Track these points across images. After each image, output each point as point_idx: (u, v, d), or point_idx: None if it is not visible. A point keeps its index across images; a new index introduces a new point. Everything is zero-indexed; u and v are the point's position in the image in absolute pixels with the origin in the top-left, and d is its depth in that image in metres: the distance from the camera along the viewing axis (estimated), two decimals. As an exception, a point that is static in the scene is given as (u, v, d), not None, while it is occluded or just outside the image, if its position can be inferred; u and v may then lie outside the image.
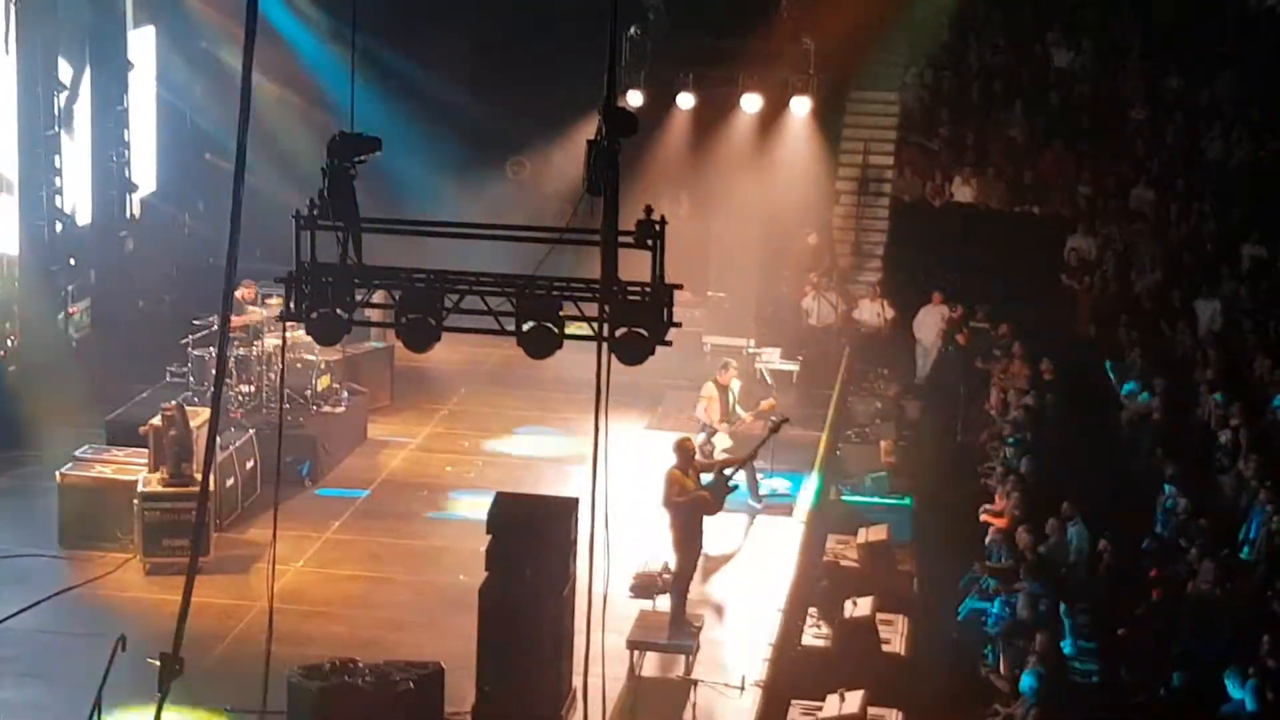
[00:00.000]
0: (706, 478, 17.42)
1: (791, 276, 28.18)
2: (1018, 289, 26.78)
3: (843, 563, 19.11)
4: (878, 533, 19.46)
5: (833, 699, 15.26)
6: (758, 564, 19.41)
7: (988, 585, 18.45)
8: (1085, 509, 18.83)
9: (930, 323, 26.79)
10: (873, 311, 27.27)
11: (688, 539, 17.24)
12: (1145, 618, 17.22)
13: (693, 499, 17.13)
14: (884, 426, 23.81)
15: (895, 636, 17.40)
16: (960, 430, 24.55)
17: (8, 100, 23.56)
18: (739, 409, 21.58)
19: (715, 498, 17.30)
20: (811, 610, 17.80)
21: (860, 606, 17.19)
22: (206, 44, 28.48)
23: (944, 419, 24.96)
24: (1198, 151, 28.95)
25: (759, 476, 21.02)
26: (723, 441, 21.10)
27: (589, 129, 13.45)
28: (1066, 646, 16.78)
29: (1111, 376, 23.67)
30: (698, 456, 17.82)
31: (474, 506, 18.97)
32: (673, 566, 17.37)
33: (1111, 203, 28.53)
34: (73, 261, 24.96)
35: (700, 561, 17.66)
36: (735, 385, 21.77)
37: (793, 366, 25.55)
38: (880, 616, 17.30)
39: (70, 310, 24.91)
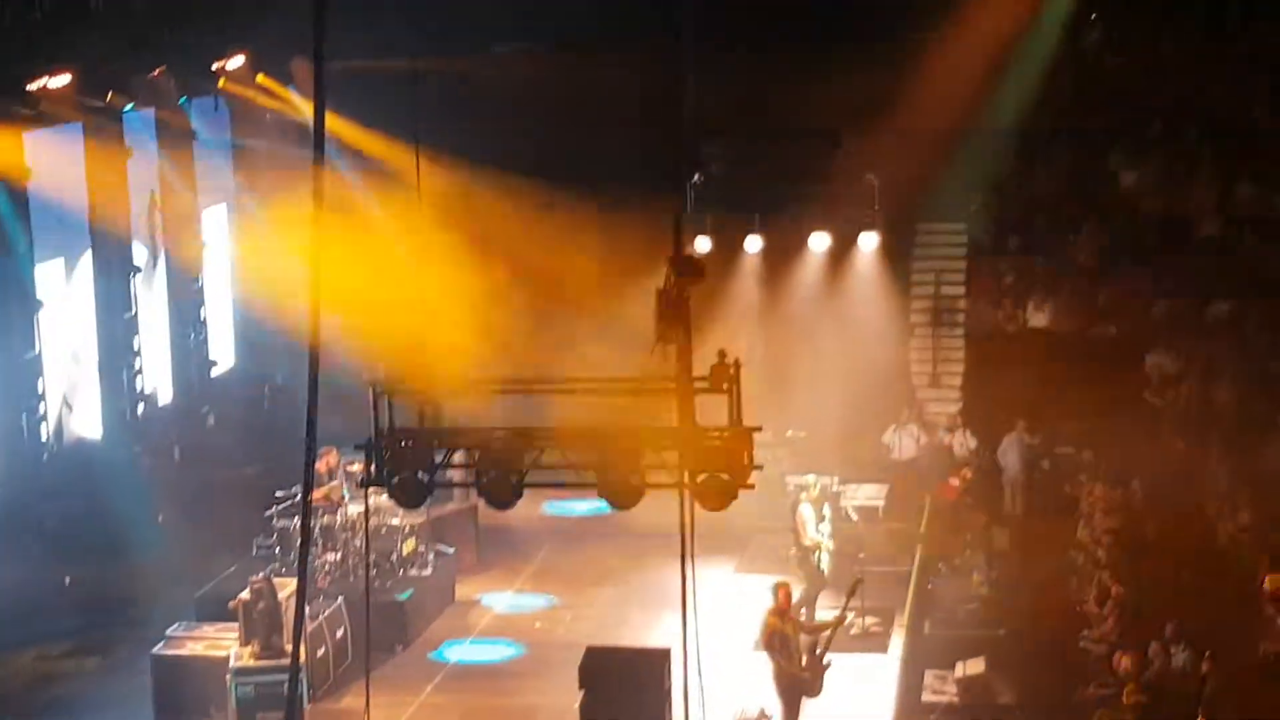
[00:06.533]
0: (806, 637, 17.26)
1: None
2: (1100, 410, 26.51)
3: (942, 699, 18.82)
4: (975, 665, 19.18)
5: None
6: (856, 703, 19.11)
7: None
8: (1187, 630, 18.52)
9: (1014, 450, 26.56)
10: (956, 442, 27.11)
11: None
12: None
13: (791, 678, 16.90)
14: (974, 557, 23.55)
15: (1001, 770, 17.12)
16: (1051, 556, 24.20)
17: (85, 287, 23.94)
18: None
19: (814, 679, 17.06)
20: (914, 749, 17.53)
21: (963, 742, 16.93)
22: (276, 216, 28.80)
23: (1034, 546, 24.65)
24: (1275, 260, 28.70)
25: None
26: (827, 559, 20.95)
27: (658, 277, 13.51)
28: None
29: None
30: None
31: (565, 661, 18.83)
32: (769, 711, 17.15)
33: (1188, 316, 28.28)
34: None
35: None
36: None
37: (878, 501, 25.33)
38: (984, 751, 17.03)
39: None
